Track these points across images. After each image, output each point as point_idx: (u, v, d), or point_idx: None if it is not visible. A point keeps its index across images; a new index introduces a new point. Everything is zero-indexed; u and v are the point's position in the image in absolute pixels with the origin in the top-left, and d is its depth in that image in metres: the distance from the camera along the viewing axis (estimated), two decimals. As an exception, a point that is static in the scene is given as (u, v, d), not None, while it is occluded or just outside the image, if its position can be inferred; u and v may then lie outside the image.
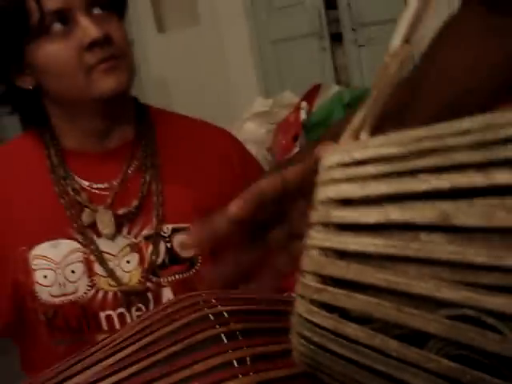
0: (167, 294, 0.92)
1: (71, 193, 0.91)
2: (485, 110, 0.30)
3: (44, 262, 0.89)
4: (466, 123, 0.30)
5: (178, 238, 0.92)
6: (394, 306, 0.30)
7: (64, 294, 0.89)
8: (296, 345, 0.36)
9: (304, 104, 1.96)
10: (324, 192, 0.34)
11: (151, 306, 0.91)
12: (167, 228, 0.93)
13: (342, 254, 0.32)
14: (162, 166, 0.95)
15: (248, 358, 0.55)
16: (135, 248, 0.92)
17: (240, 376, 0.54)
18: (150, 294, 0.91)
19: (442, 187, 0.29)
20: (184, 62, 3.36)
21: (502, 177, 0.26)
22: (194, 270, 0.93)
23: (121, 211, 0.91)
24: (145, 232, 0.92)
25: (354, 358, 0.32)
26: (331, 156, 0.36)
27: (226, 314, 0.60)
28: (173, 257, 0.92)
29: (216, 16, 3.36)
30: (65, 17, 0.86)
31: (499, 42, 0.61)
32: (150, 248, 0.92)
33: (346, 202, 0.33)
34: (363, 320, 0.31)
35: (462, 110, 0.44)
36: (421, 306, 0.29)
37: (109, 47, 0.86)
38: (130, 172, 0.94)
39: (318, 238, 0.32)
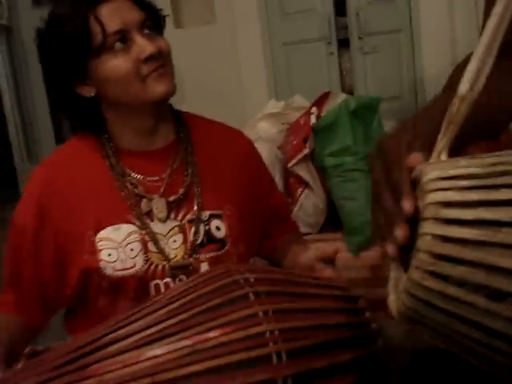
0: (204, 268, 1.05)
1: (129, 186, 1.05)
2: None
3: (108, 242, 1.03)
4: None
5: (214, 223, 1.07)
6: (484, 274, 0.45)
7: (125, 269, 1.02)
8: (404, 302, 0.51)
9: (314, 109, 2.06)
10: (433, 197, 0.49)
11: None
12: (206, 214, 1.07)
13: (448, 239, 0.47)
14: (198, 163, 1.10)
15: (270, 311, 0.72)
16: (181, 229, 1.06)
17: (264, 324, 0.70)
18: (191, 268, 1.05)
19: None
20: (199, 58, 3.45)
21: None
22: (225, 249, 1.07)
23: (171, 198, 1.05)
24: (188, 216, 1.06)
25: (452, 310, 0.47)
26: (432, 171, 0.51)
27: (252, 280, 0.76)
28: (209, 238, 1.07)
29: (231, 16, 3.44)
30: (123, 36, 0.99)
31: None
32: (193, 230, 1.05)
33: (449, 205, 0.48)
34: (460, 284, 0.47)
35: None
36: (502, 275, 0.45)
37: (159, 59, 1.00)
38: (175, 167, 1.08)
39: (430, 227, 0.48)
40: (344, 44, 3.46)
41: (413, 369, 0.84)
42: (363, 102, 2.03)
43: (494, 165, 0.49)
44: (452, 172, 0.50)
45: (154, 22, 1.05)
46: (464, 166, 0.50)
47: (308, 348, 0.72)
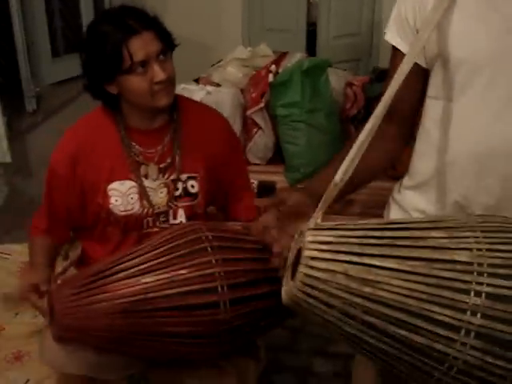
0: (181, 213, 1.48)
1: (133, 155, 1.43)
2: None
3: (116, 192, 1.43)
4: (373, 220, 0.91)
5: (190, 182, 1.47)
6: (328, 296, 0.92)
7: (126, 210, 1.44)
8: (287, 299, 0.93)
9: (273, 67, 2.37)
10: (306, 252, 0.85)
11: (171, 218, 1.47)
12: (184, 176, 1.47)
13: (310, 276, 0.92)
14: (183, 138, 1.46)
15: (220, 259, 1.19)
16: (166, 186, 1.46)
17: (215, 267, 1.17)
18: (170, 212, 1.47)
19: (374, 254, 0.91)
20: None
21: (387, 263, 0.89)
22: (196, 201, 1.48)
23: (162, 165, 1.45)
24: (172, 177, 1.46)
25: (314, 311, 0.93)
26: (309, 235, 0.90)
27: (210, 237, 1.23)
28: (186, 192, 1.47)
29: None
30: (144, 63, 1.32)
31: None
32: (173, 186, 1.46)
33: (313, 258, 0.92)
34: (319, 300, 0.93)
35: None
36: (339, 300, 0.92)
37: (167, 81, 1.35)
38: (165, 142, 1.45)
39: (302, 268, 0.88)
40: None
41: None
42: (314, 64, 2.37)
43: (343, 236, 0.90)
44: (318, 238, 0.89)
45: (167, 44, 1.36)
46: (325, 235, 0.89)
47: (242, 283, 1.20)
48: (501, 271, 0.82)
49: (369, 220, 0.93)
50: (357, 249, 0.85)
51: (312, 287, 0.84)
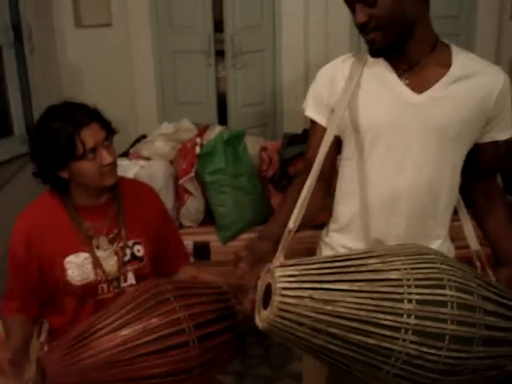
0: (130, 276, 1.64)
1: (84, 230, 1.60)
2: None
3: (72, 264, 1.57)
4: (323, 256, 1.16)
5: (136, 247, 1.65)
6: (296, 318, 1.14)
7: (82, 280, 1.57)
8: (263, 326, 1.13)
9: (198, 140, 2.60)
10: (277, 285, 1.08)
11: (122, 282, 1.63)
12: (131, 242, 1.65)
13: (283, 302, 1.14)
14: (125, 210, 1.65)
15: (182, 305, 1.37)
16: (115, 253, 1.62)
17: (179, 312, 1.35)
18: (121, 277, 1.63)
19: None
20: (96, 55, 3.75)
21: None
22: (143, 263, 1.65)
23: (110, 236, 1.62)
24: (120, 244, 1.63)
25: (290, 331, 1.13)
26: (277, 271, 1.11)
27: (170, 288, 1.43)
28: (133, 256, 1.65)
29: (126, 21, 3.78)
30: (94, 149, 1.51)
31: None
32: (123, 253, 1.63)
33: (284, 289, 1.14)
34: (291, 321, 1.15)
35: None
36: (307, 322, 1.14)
37: (112, 164, 1.55)
38: (111, 215, 1.63)
39: (276, 297, 1.10)
40: (221, 54, 3.92)
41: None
42: (233, 134, 2.61)
43: (304, 269, 1.13)
44: (286, 273, 1.10)
45: (109, 132, 1.56)
46: (290, 269, 1.11)
47: (204, 322, 1.39)
48: (423, 283, 1.09)
49: (319, 256, 1.18)
50: (316, 278, 1.08)
51: (286, 311, 1.06)
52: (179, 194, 2.62)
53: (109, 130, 1.57)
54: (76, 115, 1.51)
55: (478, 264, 1.31)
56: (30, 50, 3.14)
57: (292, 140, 2.88)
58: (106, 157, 1.52)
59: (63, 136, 1.48)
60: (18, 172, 2.83)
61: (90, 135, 1.50)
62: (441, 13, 3.83)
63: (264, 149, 2.89)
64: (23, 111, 3.12)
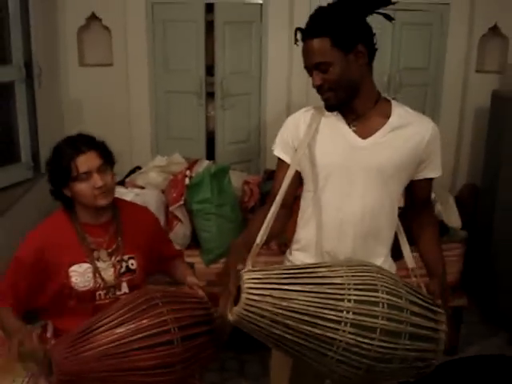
0: (124, 285, 1.86)
1: (87, 244, 1.82)
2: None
3: (75, 273, 1.78)
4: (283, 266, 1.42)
5: (131, 261, 1.87)
6: (261, 311, 1.40)
7: (85, 286, 1.79)
8: (234, 320, 1.39)
9: (188, 172, 2.85)
10: (245, 285, 1.34)
11: (117, 291, 1.84)
12: (126, 257, 1.87)
13: (249, 299, 1.39)
14: (124, 229, 1.88)
15: (170, 309, 1.62)
16: (113, 265, 1.85)
17: (166, 315, 1.60)
18: (117, 286, 1.84)
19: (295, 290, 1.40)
20: (97, 91, 4.06)
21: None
22: (135, 275, 1.88)
23: (109, 250, 1.86)
24: (118, 258, 1.86)
25: (257, 324, 1.39)
26: (246, 275, 1.38)
27: (159, 295, 1.69)
28: (127, 269, 1.87)
29: (126, 63, 4.06)
30: (87, 173, 1.74)
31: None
32: (119, 265, 1.86)
33: (250, 288, 1.39)
34: (258, 316, 1.40)
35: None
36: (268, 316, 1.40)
37: (104, 187, 1.76)
38: (111, 232, 1.87)
39: (244, 296, 1.36)
40: (211, 95, 4.19)
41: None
42: (219, 168, 2.88)
43: (267, 274, 1.40)
44: (252, 276, 1.37)
45: (107, 160, 1.79)
46: (256, 274, 1.38)
47: (187, 325, 1.63)
48: (361, 287, 1.36)
49: (280, 266, 1.46)
50: (276, 281, 1.35)
51: (251, 306, 1.32)
52: (169, 219, 2.86)
53: (107, 159, 1.81)
54: (78, 143, 1.76)
55: (414, 279, 1.58)
56: (38, 86, 3.39)
57: (271, 175, 3.12)
58: (97, 180, 1.75)
59: (64, 159, 1.75)
60: (23, 195, 3.06)
61: (85, 161, 1.75)
62: (412, 65, 4.28)
63: (246, 182, 3.17)
64: (30, 140, 3.33)
